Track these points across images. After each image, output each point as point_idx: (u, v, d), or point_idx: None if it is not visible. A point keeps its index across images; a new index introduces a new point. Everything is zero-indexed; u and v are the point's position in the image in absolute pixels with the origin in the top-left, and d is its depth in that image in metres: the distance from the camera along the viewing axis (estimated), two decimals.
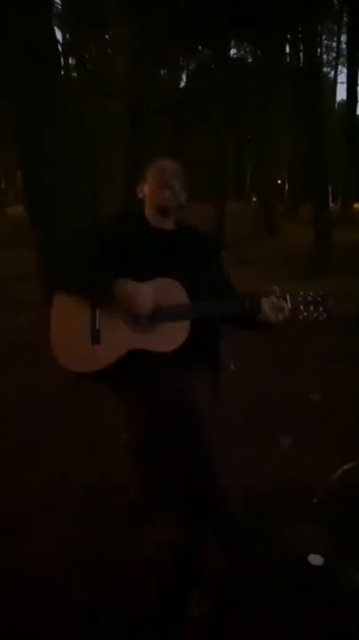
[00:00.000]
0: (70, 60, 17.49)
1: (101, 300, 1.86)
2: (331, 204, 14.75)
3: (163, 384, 1.73)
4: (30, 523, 2.18)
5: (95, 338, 1.86)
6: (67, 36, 17.15)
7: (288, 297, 1.87)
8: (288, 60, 19.15)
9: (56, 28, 17.37)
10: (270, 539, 2.01)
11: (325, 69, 26.90)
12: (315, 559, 1.90)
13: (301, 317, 1.86)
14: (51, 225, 4.89)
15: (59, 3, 14.39)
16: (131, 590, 1.80)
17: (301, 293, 1.87)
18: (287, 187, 21.99)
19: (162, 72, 20.24)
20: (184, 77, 21.67)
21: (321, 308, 1.86)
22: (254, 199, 19.48)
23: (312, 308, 1.86)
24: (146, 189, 2.06)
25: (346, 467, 2.50)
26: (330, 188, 12.42)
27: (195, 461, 1.63)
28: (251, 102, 16.52)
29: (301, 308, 1.86)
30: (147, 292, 1.82)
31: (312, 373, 3.87)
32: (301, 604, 1.75)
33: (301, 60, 17.35)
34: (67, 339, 1.90)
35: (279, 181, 21.17)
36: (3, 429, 3.02)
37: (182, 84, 21.52)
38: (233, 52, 20.80)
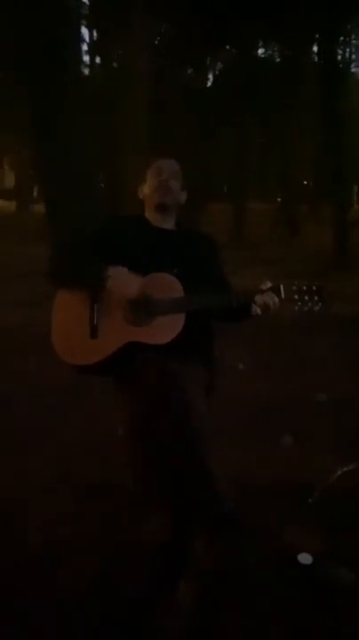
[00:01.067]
0: (97, 59, 17.67)
1: (93, 285, 1.90)
2: (357, 205, 14.63)
3: (155, 371, 1.76)
4: (29, 509, 2.22)
5: (94, 333, 1.90)
6: (95, 34, 17.32)
7: (282, 287, 1.88)
8: (315, 59, 18.99)
9: (83, 27, 17.65)
10: (263, 535, 2.02)
11: (354, 69, 26.55)
12: (305, 558, 1.90)
13: (296, 307, 1.88)
14: (63, 220, 4.96)
15: (87, 1, 14.50)
16: (123, 577, 1.82)
17: (296, 283, 1.89)
18: (312, 187, 21.80)
19: (188, 71, 20.25)
20: (210, 77, 21.67)
21: (316, 297, 1.88)
22: (279, 199, 19.37)
23: (307, 297, 1.88)
24: (145, 189, 2.10)
25: (345, 468, 2.50)
26: (356, 189, 12.29)
27: (183, 447, 1.67)
28: (277, 102, 16.43)
29: (296, 297, 1.88)
30: (133, 279, 1.88)
31: (316, 373, 3.85)
32: (288, 601, 1.75)
33: (328, 60, 17.20)
34: (67, 334, 1.96)
35: (305, 182, 21.02)
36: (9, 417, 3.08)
37: (209, 84, 21.54)
38: (260, 51, 20.73)
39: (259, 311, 1.86)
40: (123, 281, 1.91)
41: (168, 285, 1.89)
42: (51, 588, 1.79)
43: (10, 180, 30.39)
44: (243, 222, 14.58)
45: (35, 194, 23.39)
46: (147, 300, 1.87)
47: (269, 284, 1.90)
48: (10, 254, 10.05)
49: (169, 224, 2.11)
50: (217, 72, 21.19)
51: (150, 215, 2.10)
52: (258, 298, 1.87)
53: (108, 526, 2.12)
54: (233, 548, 1.82)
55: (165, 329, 1.84)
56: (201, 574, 1.75)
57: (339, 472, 2.48)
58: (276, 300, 1.87)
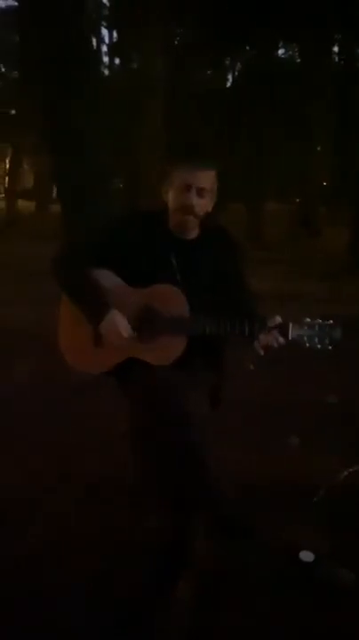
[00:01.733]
0: (116, 60, 17.78)
1: (88, 319, 1.90)
2: None
3: (155, 383, 1.76)
4: (29, 509, 2.24)
5: (98, 341, 1.91)
6: (115, 34, 17.45)
7: (290, 326, 1.81)
8: (335, 59, 18.86)
9: (102, 28, 17.76)
10: (265, 535, 2.03)
11: None
12: (307, 556, 1.91)
13: (304, 347, 1.81)
14: (76, 220, 5.01)
15: (107, 3, 14.59)
16: (122, 577, 1.84)
17: (307, 322, 1.81)
18: (330, 188, 21.62)
19: (208, 72, 20.24)
20: (230, 78, 21.63)
21: (327, 341, 1.79)
22: (298, 200, 19.26)
23: (317, 339, 1.80)
24: (170, 195, 1.95)
25: (351, 469, 2.50)
26: None
27: (182, 454, 1.69)
28: (296, 103, 16.34)
29: (304, 339, 1.80)
30: (123, 332, 1.83)
31: (326, 375, 3.83)
32: (288, 601, 1.76)
33: (348, 60, 17.09)
34: (73, 339, 1.98)
35: (325, 183, 20.85)
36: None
37: (228, 84, 21.50)
38: (280, 51, 20.61)
39: (261, 352, 1.81)
40: (127, 292, 1.90)
41: (172, 299, 1.86)
42: (51, 588, 1.81)
43: (30, 180, 30.64)
44: (260, 223, 14.52)
45: (54, 194, 23.48)
46: (150, 316, 1.85)
47: (278, 321, 1.82)
48: (28, 253, 10.16)
49: (191, 232, 2.00)
50: (236, 73, 21.15)
51: (172, 221, 1.98)
52: (262, 337, 1.80)
53: (109, 526, 2.13)
54: (233, 549, 1.84)
55: (167, 350, 1.83)
56: (201, 574, 1.76)
57: (346, 473, 2.49)
58: (281, 340, 1.80)
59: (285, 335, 1.80)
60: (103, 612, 1.70)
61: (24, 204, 23.48)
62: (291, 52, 21.13)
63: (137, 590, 1.74)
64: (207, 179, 1.92)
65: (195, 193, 1.89)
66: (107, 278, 1.93)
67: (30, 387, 3.59)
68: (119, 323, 1.83)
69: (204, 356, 1.93)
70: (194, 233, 2.01)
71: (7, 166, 21.56)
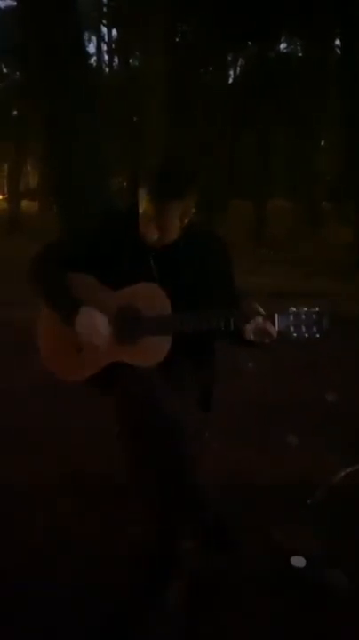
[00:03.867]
0: (115, 59, 17.77)
1: (62, 319, 1.83)
2: None
3: (139, 386, 1.69)
4: (29, 509, 2.22)
5: (80, 347, 1.83)
6: (114, 32, 17.44)
7: (276, 318, 1.75)
8: (338, 53, 18.74)
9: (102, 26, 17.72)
10: (259, 535, 1.99)
11: None
12: (298, 561, 1.85)
13: (292, 338, 1.75)
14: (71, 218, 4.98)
15: (105, 1, 14.56)
16: (115, 577, 1.81)
17: (293, 311, 1.75)
18: (336, 185, 21.52)
19: (210, 69, 20.18)
20: (232, 74, 21.56)
21: (314, 329, 1.74)
22: (302, 197, 19.17)
23: (304, 328, 1.74)
24: (141, 206, 1.77)
25: (349, 469, 2.44)
26: None
27: (164, 462, 1.65)
28: (300, 98, 16.25)
29: (291, 329, 1.75)
30: (100, 326, 1.76)
31: (328, 374, 3.78)
32: (279, 602, 1.72)
33: (352, 54, 16.90)
34: (54, 346, 1.91)
35: (328, 178, 20.76)
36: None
37: (231, 81, 21.43)
38: (282, 46, 20.52)
39: (254, 338, 1.75)
40: (107, 294, 1.83)
41: (154, 298, 1.78)
42: (48, 587, 1.78)
43: (34, 180, 30.71)
44: (264, 220, 14.46)
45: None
46: (132, 317, 1.78)
47: (260, 310, 1.76)
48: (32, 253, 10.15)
49: (168, 240, 1.83)
50: (239, 69, 21.08)
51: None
52: (247, 328, 1.73)
53: (106, 526, 2.10)
54: (222, 551, 1.79)
55: (150, 352, 1.76)
56: (191, 576, 1.73)
57: (343, 473, 2.43)
58: (269, 327, 1.73)
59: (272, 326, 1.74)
60: (93, 613, 1.67)
61: (28, 205, 23.56)
62: (294, 47, 21.04)
63: (126, 594, 1.71)
64: (172, 210, 1.74)
65: (155, 225, 1.76)
66: (85, 281, 1.86)
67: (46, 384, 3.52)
68: (94, 317, 1.76)
69: (192, 356, 1.85)
70: (172, 238, 1.84)
71: (11, 166, 21.50)
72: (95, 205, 4.87)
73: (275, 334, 1.75)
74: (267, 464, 2.57)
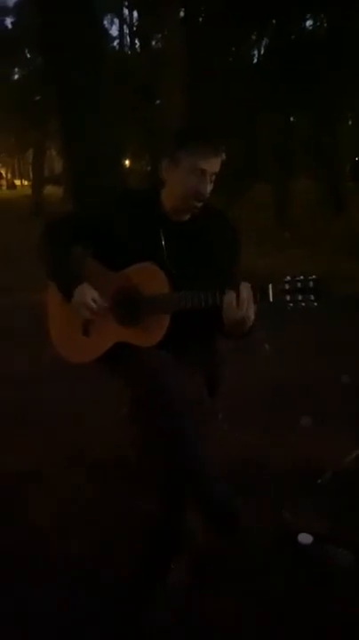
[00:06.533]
0: (137, 40, 17.62)
1: (62, 292, 1.88)
2: None
3: (142, 365, 1.73)
4: (30, 491, 2.27)
5: (85, 330, 1.90)
6: (135, 14, 17.29)
7: (270, 288, 1.66)
8: None
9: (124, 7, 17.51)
10: (267, 516, 2.04)
11: None
12: (305, 538, 1.90)
13: (289, 308, 1.67)
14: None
15: None
16: (116, 558, 1.86)
17: (288, 279, 1.66)
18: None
19: (233, 49, 19.84)
20: (255, 54, 21.15)
21: (312, 296, 1.66)
22: (323, 177, 18.81)
23: (301, 296, 1.66)
24: (175, 177, 1.82)
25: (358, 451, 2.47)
26: None
27: (170, 439, 1.68)
28: (323, 77, 15.88)
29: (287, 298, 1.66)
30: (88, 298, 1.80)
31: (342, 357, 3.77)
32: (283, 581, 1.76)
33: None
34: (61, 328, 1.98)
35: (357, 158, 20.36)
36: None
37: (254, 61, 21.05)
38: (307, 23, 20.02)
39: (230, 312, 1.64)
40: (109, 276, 1.87)
41: (153, 277, 1.80)
42: (51, 565, 1.84)
43: (59, 166, 30.80)
44: (285, 201, 14.27)
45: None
46: (132, 298, 1.81)
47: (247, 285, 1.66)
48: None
49: (187, 216, 1.91)
50: (262, 49, 20.67)
51: (169, 203, 1.88)
52: (228, 296, 1.65)
53: (112, 506, 2.15)
54: (229, 533, 1.83)
55: (151, 330, 1.78)
56: (195, 558, 1.78)
57: (354, 454, 2.46)
58: (246, 295, 1.64)
59: (266, 297, 1.66)
60: (95, 595, 1.72)
61: (53, 190, 23.67)
62: (318, 23, 20.51)
63: (130, 574, 1.75)
64: (219, 164, 1.81)
65: (208, 179, 1.81)
66: (88, 261, 1.92)
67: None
68: (86, 292, 1.80)
69: (195, 336, 1.86)
70: (188, 215, 1.92)
71: (35, 152, 21.61)
72: (111, 186, 4.93)
73: (251, 306, 1.65)
74: (276, 445, 2.60)
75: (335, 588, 1.73)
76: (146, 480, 1.93)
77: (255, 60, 20.39)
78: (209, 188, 1.82)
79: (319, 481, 2.27)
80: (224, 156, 1.82)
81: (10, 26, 20.83)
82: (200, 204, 1.85)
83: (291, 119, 14.99)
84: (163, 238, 1.87)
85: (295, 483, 2.28)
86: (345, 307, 4.49)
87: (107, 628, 1.61)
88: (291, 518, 2.02)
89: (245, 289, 1.64)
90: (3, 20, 20.71)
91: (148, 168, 17.67)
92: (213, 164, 1.79)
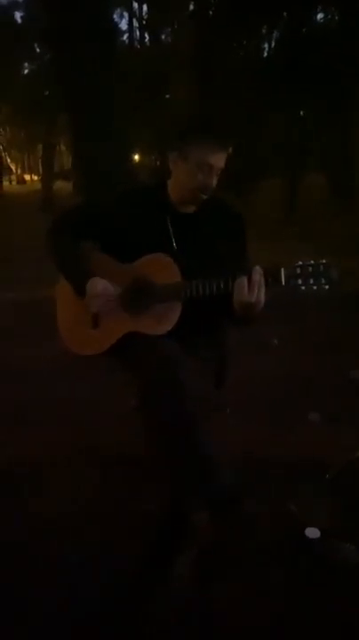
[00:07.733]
0: (146, 34, 17.56)
1: (74, 289, 1.89)
2: None
3: (153, 353, 1.74)
4: (43, 480, 2.29)
5: (94, 323, 1.91)
6: (145, 8, 17.22)
7: (282, 272, 1.68)
8: None
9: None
10: (273, 509, 2.04)
11: None
12: (313, 532, 1.90)
13: (301, 292, 1.68)
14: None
15: None
16: (122, 548, 1.87)
17: (299, 264, 1.69)
18: None
19: (244, 42, 19.73)
20: (267, 47, 21.01)
21: (323, 280, 1.68)
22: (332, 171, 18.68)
23: (312, 280, 1.68)
24: (183, 169, 1.86)
25: None
26: None
27: (177, 429, 1.69)
28: (335, 70, 15.76)
29: (299, 282, 1.68)
30: (100, 290, 1.82)
31: (351, 352, 3.76)
32: (289, 576, 1.76)
33: None
34: (70, 322, 1.99)
35: None
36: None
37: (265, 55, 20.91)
38: (319, 16, 19.85)
39: (242, 297, 1.66)
40: (118, 268, 1.88)
41: (164, 267, 1.82)
42: (56, 558, 1.85)
43: (69, 161, 30.85)
44: (295, 195, 14.21)
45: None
46: (143, 288, 1.82)
47: (259, 270, 1.68)
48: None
49: (193, 207, 1.95)
50: (273, 42, 20.52)
51: (175, 194, 1.92)
52: (239, 282, 1.68)
53: (119, 497, 2.16)
54: (234, 523, 1.84)
55: (162, 318, 1.80)
56: (201, 546, 1.77)
57: None
58: (258, 278, 1.66)
59: (278, 281, 1.68)
60: (102, 584, 1.73)
61: (62, 185, 23.70)
62: (329, 17, 20.33)
63: (136, 563, 1.76)
64: (224, 159, 1.86)
65: (215, 174, 1.85)
66: (96, 255, 1.93)
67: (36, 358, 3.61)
68: (98, 284, 1.82)
69: (204, 327, 1.89)
70: (194, 207, 1.95)
71: (45, 147, 21.65)
72: (119, 182, 4.93)
73: (263, 290, 1.67)
74: (285, 438, 2.60)
75: (341, 584, 1.73)
76: (149, 478, 1.93)
77: (265, 54, 20.24)
78: (214, 181, 1.86)
79: (327, 476, 2.26)
80: (230, 151, 1.87)
81: (19, 20, 20.85)
82: (205, 197, 1.88)
83: (301, 113, 14.84)
84: (171, 229, 1.89)
85: (303, 477, 2.27)
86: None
87: (106, 627, 1.61)
88: (297, 512, 2.01)
89: (257, 273, 1.67)
90: (13, 15, 20.73)
91: (158, 163, 17.66)
92: (221, 160, 1.84)
